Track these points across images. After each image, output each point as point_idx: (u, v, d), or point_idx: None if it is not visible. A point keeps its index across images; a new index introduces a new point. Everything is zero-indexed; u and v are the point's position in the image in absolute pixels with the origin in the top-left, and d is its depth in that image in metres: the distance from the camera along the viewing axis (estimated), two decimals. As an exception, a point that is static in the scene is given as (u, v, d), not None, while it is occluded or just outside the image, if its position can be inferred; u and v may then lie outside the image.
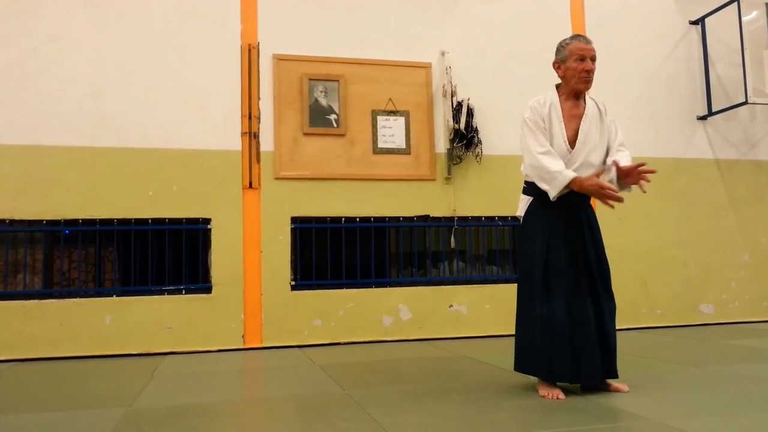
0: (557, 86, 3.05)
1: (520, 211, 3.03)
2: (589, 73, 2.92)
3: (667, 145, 5.99)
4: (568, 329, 2.80)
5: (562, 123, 2.93)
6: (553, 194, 2.84)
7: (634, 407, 2.59)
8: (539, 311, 2.84)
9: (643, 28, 6.05)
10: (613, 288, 3.00)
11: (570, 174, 2.81)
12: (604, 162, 3.01)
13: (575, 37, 3.00)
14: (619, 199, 2.79)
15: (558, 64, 3.00)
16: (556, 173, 2.81)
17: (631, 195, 5.94)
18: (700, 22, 6.16)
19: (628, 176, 2.87)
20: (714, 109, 6.03)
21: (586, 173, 2.90)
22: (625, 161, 2.92)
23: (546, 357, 2.81)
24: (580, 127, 2.93)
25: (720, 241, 5.98)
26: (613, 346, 2.91)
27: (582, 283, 2.87)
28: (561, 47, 3.00)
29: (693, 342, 4.71)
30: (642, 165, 2.84)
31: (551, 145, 2.91)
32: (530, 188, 3.00)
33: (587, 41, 2.96)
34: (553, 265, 2.86)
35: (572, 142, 2.92)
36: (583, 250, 2.91)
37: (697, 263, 5.90)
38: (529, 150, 2.91)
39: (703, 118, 6.10)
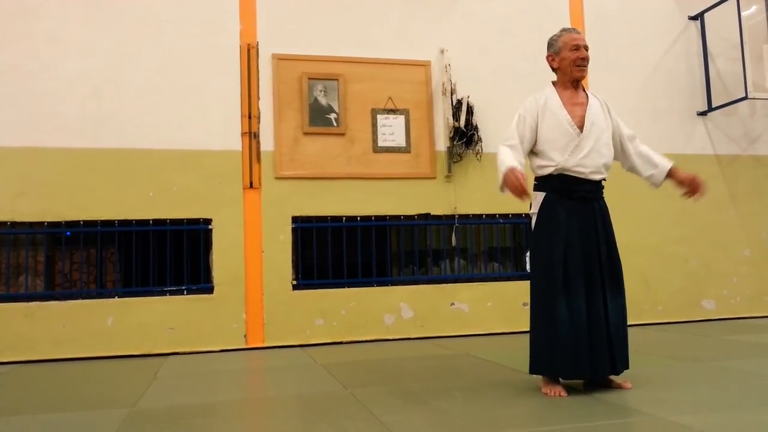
0: (553, 82, 3.07)
1: (534, 208, 3.00)
2: (584, 60, 2.97)
3: (667, 141, 5.98)
4: (586, 326, 2.79)
5: (564, 110, 2.93)
6: (499, 184, 2.87)
7: (637, 403, 2.59)
8: (560, 310, 2.79)
9: (642, 24, 6.04)
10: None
11: (509, 164, 2.81)
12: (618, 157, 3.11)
13: (565, 29, 3.06)
14: (523, 195, 2.79)
15: (552, 57, 3.03)
16: (503, 163, 2.85)
17: (632, 191, 5.93)
18: (699, 17, 6.15)
19: (684, 184, 3.08)
20: (714, 105, 6.03)
21: (596, 162, 2.91)
22: (663, 160, 3.08)
23: (567, 356, 2.78)
24: (587, 113, 2.94)
25: (721, 237, 5.98)
26: (621, 341, 2.90)
27: (596, 278, 2.87)
28: (553, 41, 3.05)
29: (695, 338, 4.71)
30: (697, 180, 3.07)
31: (556, 129, 2.91)
32: (541, 184, 2.98)
33: (577, 32, 3.03)
34: (571, 263, 2.84)
35: (580, 127, 2.92)
36: (596, 245, 2.90)
37: (698, 259, 5.90)
38: (502, 140, 2.99)
39: (703, 113, 6.09)
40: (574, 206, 2.90)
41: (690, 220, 5.92)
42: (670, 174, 3.08)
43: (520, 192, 2.77)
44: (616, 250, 2.99)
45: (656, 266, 5.77)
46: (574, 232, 2.87)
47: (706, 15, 6.10)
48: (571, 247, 2.86)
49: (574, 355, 2.77)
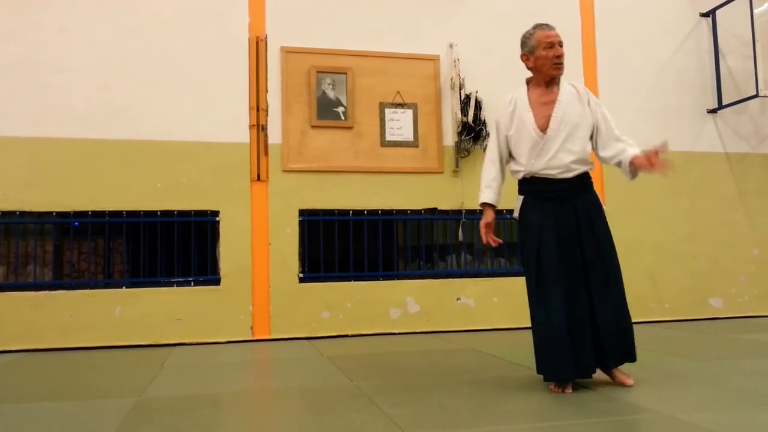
0: (528, 80, 3.01)
1: (516, 212, 3.01)
2: (560, 58, 2.89)
3: (676, 139, 5.94)
4: (567, 327, 2.75)
5: (530, 112, 2.89)
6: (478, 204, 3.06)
7: (643, 400, 2.58)
8: (539, 312, 2.84)
9: (652, 21, 6.00)
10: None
11: (482, 198, 3.02)
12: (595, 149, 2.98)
13: (538, 26, 2.96)
14: (496, 243, 2.99)
15: (526, 56, 2.95)
16: (482, 189, 3.02)
17: (641, 188, 5.91)
18: (710, 14, 6.10)
19: (645, 166, 2.78)
20: (724, 102, 5.98)
21: (564, 161, 2.84)
22: (629, 151, 2.87)
23: (548, 357, 2.78)
24: (553, 113, 2.86)
25: (729, 235, 5.95)
26: (614, 335, 2.80)
27: (578, 277, 2.80)
28: (526, 39, 2.96)
29: (702, 336, 4.69)
30: (656, 153, 2.73)
31: (522, 134, 2.91)
32: (520, 187, 2.99)
33: (551, 28, 2.93)
34: (545, 264, 2.82)
35: (545, 128, 2.86)
36: (578, 241, 2.82)
37: (706, 257, 5.87)
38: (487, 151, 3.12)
39: (713, 111, 6.05)
40: (549, 207, 2.87)
41: (698, 218, 5.89)
42: (633, 164, 2.84)
43: (492, 241, 2.99)
44: (608, 242, 2.87)
45: (664, 264, 5.74)
46: (549, 233, 2.83)
47: (717, 12, 6.05)
48: (546, 248, 2.82)
49: (554, 356, 2.76)
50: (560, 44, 2.90)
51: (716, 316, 5.79)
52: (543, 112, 2.88)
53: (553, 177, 2.86)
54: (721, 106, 6.00)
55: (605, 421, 2.31)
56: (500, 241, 2.98)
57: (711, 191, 5.97)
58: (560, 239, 2.83)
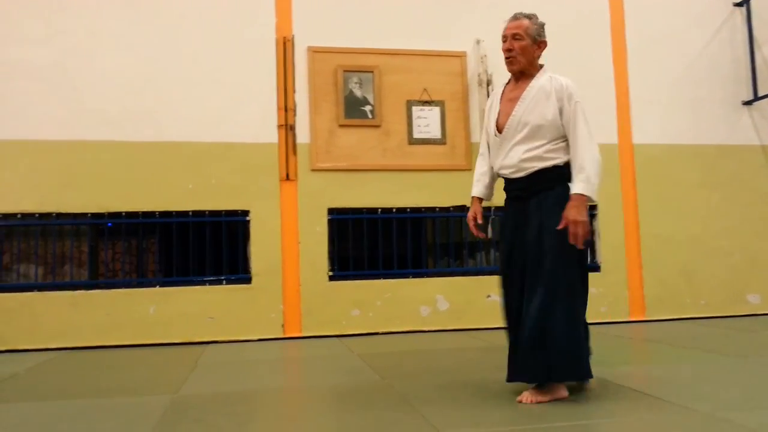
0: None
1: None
2: (510, 51, 2.75)
3: (709, 132, 5.82)
4: (514, 331, 2.70)
5: (497, 109, 2.83)
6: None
7: (682, 399, 2.54)
8: (503, 310, 2.80)
9: (684, 11, 5.88)
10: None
11: (472, 192, 2.98)
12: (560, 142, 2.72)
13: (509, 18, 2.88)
14: (480, 236, 2.89)
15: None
16: (473, 184, 2.98)
17: (673, 182, 5.76)
18: (744, 3, 5.96)
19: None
20: (760, 94, 5.84)
21: (513, 160, 2.71)
22: (576, 181, 2.57)
23: (510, 357, 2.72)
24: (513, 112, 2.73)
25: (766, 230, 5.81)
26: (541, 344, 2.51)
27: (523, 276, 2.66)
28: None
29: (740, 333, 4.59)
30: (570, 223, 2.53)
31: (489, 131, 2.89)
32: None
33: (514, 19, 2.83)
34: (506, 263, 2.77)
35: (503, 127, 2.76)
36: (526, 242, 2.66)
37: (742, 252, 5.74)
38: None
39: (748, 102, 5.91)
40: (511, 205, 2.82)
41: (734, 213, 5.76)
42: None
43: (477, 233, 2.90)
44: (554, 240, 2.56)
45: (699, 259, 5.63)
46: (510, 231, 2.78)
47: (752, 1, 5.90)
48: (509, 246, 2.77)
49: (510, 358, 2.71)
50: (515, 37, 2.73)
51: (754, 313, 5.66)
52: (507, 110, 2.78)
53: (508, 176, 2.79)
54: (756, 98, 5.86)
55: (643, 419, 2.28)
56: (483, 235, 2.91)
57: (747, 185, 5.83)
58: (515, 238, 2.74)
